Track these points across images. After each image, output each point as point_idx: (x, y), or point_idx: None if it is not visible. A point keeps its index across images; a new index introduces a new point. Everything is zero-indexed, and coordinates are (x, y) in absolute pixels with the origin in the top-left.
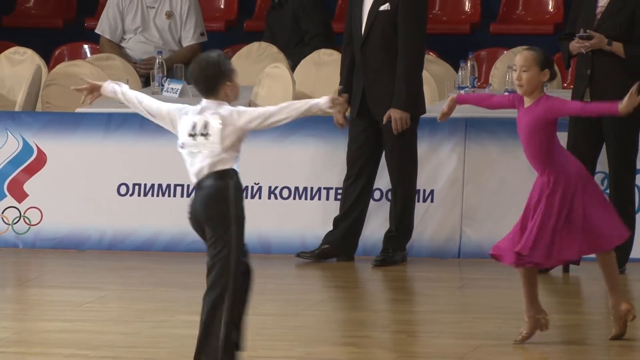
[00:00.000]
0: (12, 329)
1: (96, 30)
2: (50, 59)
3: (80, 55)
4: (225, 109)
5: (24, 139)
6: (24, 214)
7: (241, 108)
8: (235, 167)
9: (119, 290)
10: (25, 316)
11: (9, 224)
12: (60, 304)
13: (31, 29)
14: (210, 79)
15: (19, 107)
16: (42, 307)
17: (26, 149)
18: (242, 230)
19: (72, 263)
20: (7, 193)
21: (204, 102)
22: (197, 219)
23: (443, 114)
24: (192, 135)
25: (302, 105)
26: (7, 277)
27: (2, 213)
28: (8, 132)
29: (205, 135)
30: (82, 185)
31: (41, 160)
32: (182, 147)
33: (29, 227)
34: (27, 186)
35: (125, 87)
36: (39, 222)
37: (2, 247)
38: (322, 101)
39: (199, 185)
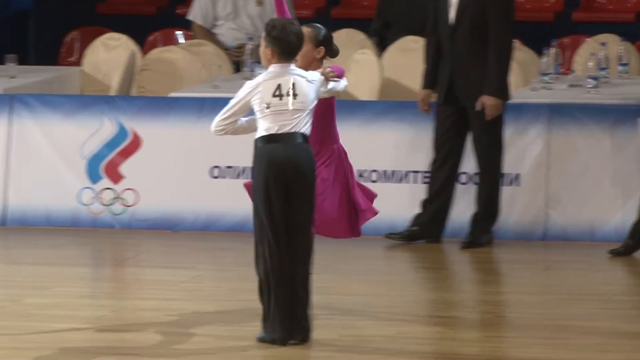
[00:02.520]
0: (109, 307)
1: (188, 17)
2: (143, 45)
3: (173, 42)
4: None
5: (119, 123)
6: (120, 195)
7: None
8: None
9: (212, 269)
10: (122, 295)
11: (106, 205)
12: (155, 283)
13: (125, 15)
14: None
15: (114, 92)
16: (138, 286)
17: (122, 132)
18: None
19: (166, 243)
20: (103, 175)
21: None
22: (288, 173)
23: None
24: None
25: None
26: (104, 256)
27: (99, 194)
28: (104, 116)
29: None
30: (176, 168)
31: (136, 143)
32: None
33: (125, 208)
34: (123, 168)
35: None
36: (134, 204)
37: (99, 227)
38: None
39: (286, 140)
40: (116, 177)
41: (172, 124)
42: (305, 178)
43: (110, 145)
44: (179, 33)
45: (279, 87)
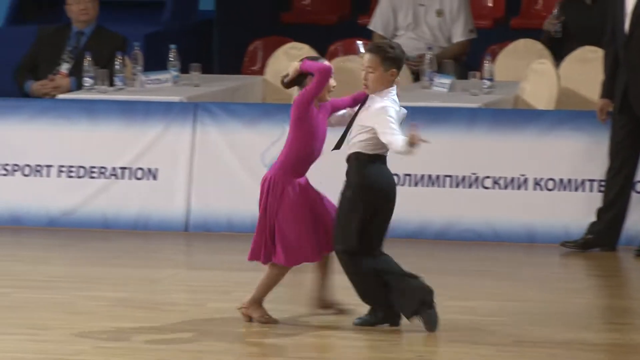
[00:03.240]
0: (288, 312)
1: (369, 27)
2: (325, 54)
3: (354, 51)
4: None
5: None
6: None
7: None
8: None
9: None
10: (300, 300)
11: None
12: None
13: (307, 25)
14: None
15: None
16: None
17: None
18: None
19: None
20: None
21: None
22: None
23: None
24: None
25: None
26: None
27: None
28: (285, 125)
29: None
30: None
31: None
32: None
33: None
34: None
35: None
36: None
37: None
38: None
39: None
40: None
41: None
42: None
43: None
44: (359, 42)
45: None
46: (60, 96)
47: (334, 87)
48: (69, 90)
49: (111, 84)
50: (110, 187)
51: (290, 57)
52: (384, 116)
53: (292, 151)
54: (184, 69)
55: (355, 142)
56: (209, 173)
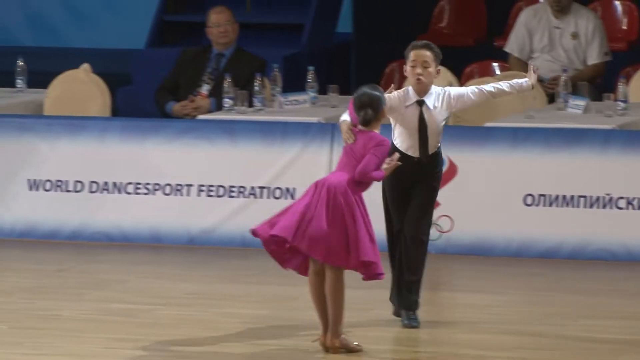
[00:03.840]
0: (424, 331)
1: (505, 49)
2: (461, 76)
3: (490, 73)
4: None
5: None
6: (436, 221)
7: None
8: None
9: (523, 294)
10: (436, 318)
11: None
12: (467, 306)
13: (443, 47)
14: None
15: None
16: (450, 310)
17: None
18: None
19: (479, 268)
20: None
21: None
22: None
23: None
24: None
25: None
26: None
27: None
28: None
29: None
30: (490, 195)
31: (452, 171)
32: None
33: (440, 235)
34: (439, 196)
35: None
36: (449, 230)
37: None
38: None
39: None
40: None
41: (486, 152)
42: None
43: None
44: (495, 64)
45: None
46: (201, 117)
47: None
48: (209, 111)
49: (250, 105)
50: (249, 206)
51: None
52: (456, 91)
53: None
54: (322, 90)
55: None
56: None
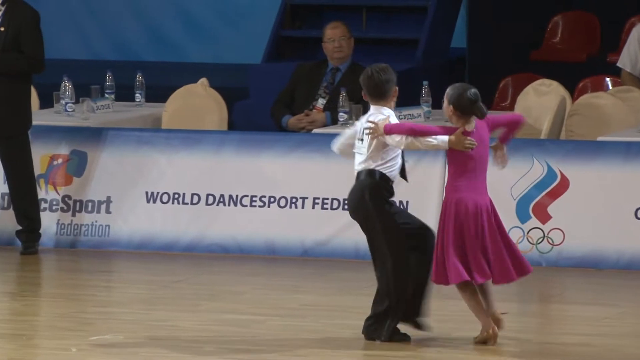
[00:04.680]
0: (534, 342)
1: (618, 64)
2: (574, 91)
3: (602, 88)
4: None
5: (548, 165)
6: (548, 234)
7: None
8: (378, 168)
9: (635, 307)
10: (546, 330)
11: (533, 244)
12: (578, 319)
13: (556, 62)
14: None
15: (544, 135)
16: (561, 322)
17: (550, 174)
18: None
19: (590, 281)
20: (532, 215)
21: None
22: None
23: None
24: (360, 140)
25: (432, 140)
26: (531, 292)
27: (527, 233)
28: (534, 158)
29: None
30: (601, 209)
31: (564, 185)
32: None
33: (552, 247)
34: (551, 209)
35: None
36: (561, 243)
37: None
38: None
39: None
40: (544, 217)
41: (598, 166)
42: None
43: (539, 186)
44: (608, 80)
45: None
46: (316, 130)
47: None
48: (324, 125)
49: None
50: None
51: (539, 94)
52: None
53: None
54: (436, 105)
55: None
56: None
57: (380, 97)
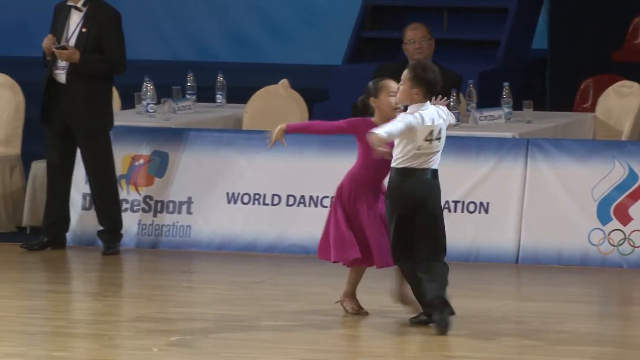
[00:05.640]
0: (615, 343)
1: None
2: None
3: None
4: None
5: (629, 167)
6: (629, 236)
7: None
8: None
9: None
10: (627, 332)
11: (615, 246)
12: None
13: (638, 64)
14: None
15: (625, 137)
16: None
17: (632, 175)
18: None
19: None
20: (613, 217)
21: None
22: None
23: (270, 141)
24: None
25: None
26: (612, 295)
27: (609, 235)
28: (615, 160)
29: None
30: None
31: None
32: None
33: (633, 249)
34: (632, 210)
35: None
36: None
37: (608, 267)
38: None
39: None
40: (625, 219)
41: None
42: None
43: (620, 188)
44: None
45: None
46: None
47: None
48: None
49: None
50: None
51: (620, 96)
52: None
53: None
54: (517, 106)
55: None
56: (539, 207)
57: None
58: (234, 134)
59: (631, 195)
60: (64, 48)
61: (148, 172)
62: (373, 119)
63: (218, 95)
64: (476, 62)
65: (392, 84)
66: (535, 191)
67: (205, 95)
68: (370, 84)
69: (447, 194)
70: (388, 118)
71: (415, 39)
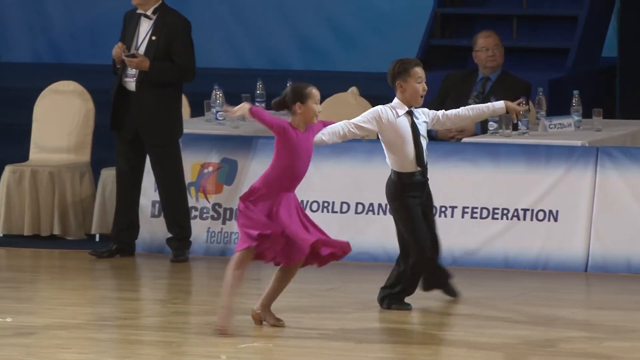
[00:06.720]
0: None
1: None
2: None
3: None
4: None
5: None
6: None
7: None
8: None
9: None
10: None
11: None
12: None
13: None
14: None
15: None
16: None
17: None
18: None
19: None
20: None
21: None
22: None
23: (229, 112)
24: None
25: None
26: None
27: None
28: None
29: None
30: None
31: None
32: None
33: None
34: None
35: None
36: None
37: None
38: None
39: None
40: None
41: None
42: None
43: None
44: None
45: None
46: (465, 139)
47: (319, 112)
48: (474, 134)
49: (515, 128)
50: (511, 228)
51: None
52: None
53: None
54: (587, 114)
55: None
56: (608, 215)
57: None
58: None
59: None
60: (133, 56)
61: (217, 180)
62: (290, 121)
63: None
64: (545, 70)
65: (318, 93)
66: (605, 199)
67: None
68: (296, 88)
69: (516, 202)
70: (307, 124)
71: (489, 47)
